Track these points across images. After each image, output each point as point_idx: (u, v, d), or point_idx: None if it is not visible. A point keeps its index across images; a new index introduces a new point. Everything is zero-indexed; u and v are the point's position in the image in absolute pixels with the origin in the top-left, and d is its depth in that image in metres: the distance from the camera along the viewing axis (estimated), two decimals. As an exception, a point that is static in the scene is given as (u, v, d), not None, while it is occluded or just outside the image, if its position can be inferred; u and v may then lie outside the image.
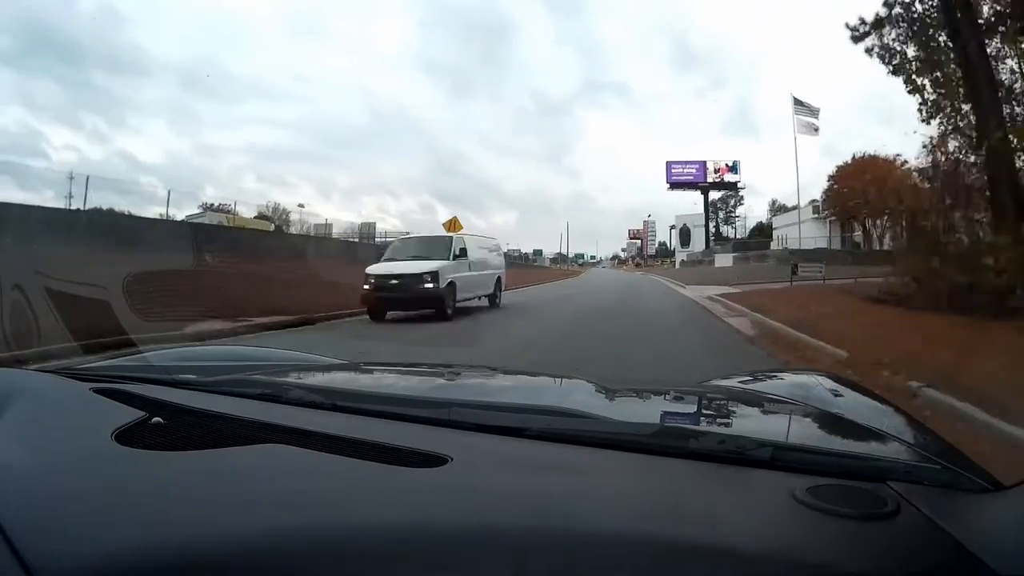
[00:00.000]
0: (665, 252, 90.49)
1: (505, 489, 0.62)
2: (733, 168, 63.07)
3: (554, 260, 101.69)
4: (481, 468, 0.66)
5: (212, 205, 33.22)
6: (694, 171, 63.33)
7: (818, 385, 1.18)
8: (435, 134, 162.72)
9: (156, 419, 0.80)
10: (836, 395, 1.08)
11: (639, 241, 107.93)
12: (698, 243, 64.63)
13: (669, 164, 64.55)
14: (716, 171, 62.70)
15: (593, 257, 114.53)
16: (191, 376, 1.00)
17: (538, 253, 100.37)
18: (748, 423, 0.94)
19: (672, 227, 77.91)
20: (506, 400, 1.06)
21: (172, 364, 1.11)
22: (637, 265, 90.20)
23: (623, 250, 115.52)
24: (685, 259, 63.22)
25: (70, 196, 18.06)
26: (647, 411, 1.07)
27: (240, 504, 0.58)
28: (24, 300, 2.16)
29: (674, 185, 64.58)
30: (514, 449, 0.71)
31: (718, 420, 1.00)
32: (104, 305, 3.09)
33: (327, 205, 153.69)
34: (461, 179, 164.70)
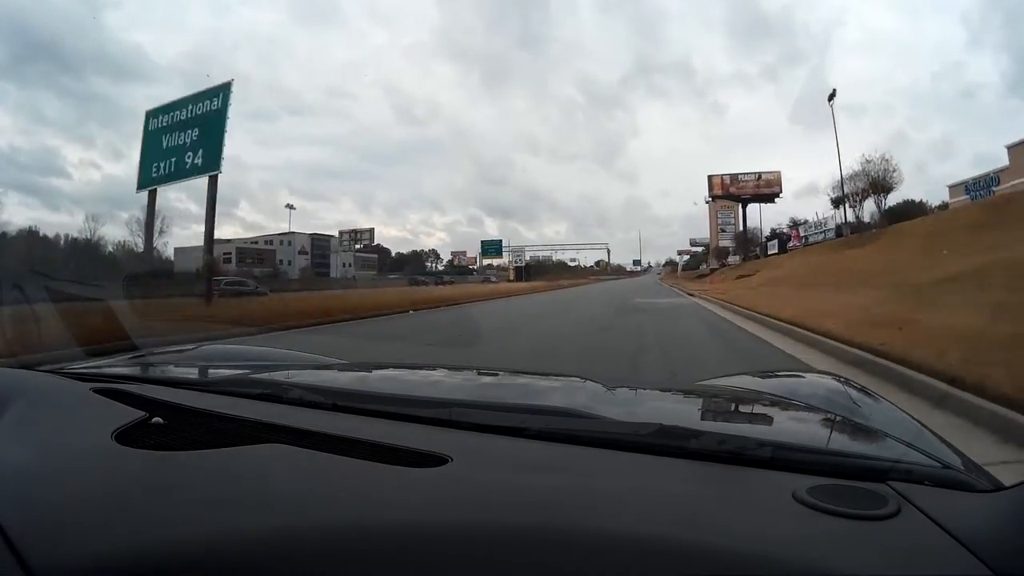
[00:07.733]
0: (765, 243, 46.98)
1: (505, 489, 0.62)
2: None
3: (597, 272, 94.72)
4: (481, 468, 0.66)
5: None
6: None
7: (819, 385, 1.18)
8: (478, 141, 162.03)
9: (156, 419, 0.80)
10: (837, 395, 1.08)
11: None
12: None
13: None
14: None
15: (637, 263, 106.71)
16: (191, 376, 1.00)
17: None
18: (748, 423, 0.94)
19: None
20: (506, 400, 1.06)
21: (172, 364, 1.11)
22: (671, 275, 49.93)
23: (680, 253, 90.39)
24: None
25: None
26: (647, 411, 1.07)
27: (240, 504, 0.58)
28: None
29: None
30: (514, 449, 0.71)
31: (718, 420, 1.00)
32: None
33: (369, 220, 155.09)
34: (509, 189, 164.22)
